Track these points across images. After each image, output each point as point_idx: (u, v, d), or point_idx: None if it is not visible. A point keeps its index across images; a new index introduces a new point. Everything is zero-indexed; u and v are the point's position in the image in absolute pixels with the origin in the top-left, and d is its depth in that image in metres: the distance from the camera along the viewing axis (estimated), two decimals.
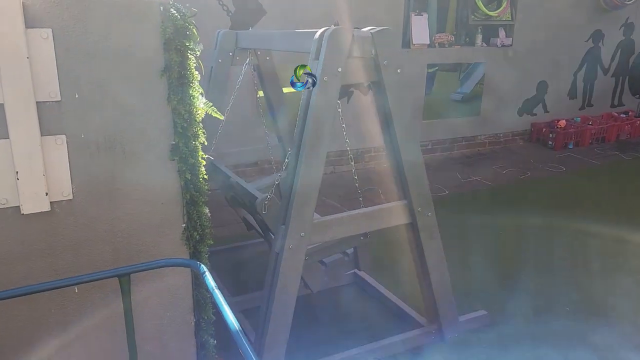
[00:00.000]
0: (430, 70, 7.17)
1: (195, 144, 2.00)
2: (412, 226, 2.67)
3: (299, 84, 2.12)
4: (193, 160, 2.02)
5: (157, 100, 1.91)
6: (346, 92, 5.82)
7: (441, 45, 6.44)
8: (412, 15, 6.21)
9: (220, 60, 3.64)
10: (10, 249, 1.83)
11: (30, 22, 1.68)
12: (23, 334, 1.94)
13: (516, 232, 4.45)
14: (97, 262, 1.98)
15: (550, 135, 7.24)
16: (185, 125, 1.94)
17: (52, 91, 1.75)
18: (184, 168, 2.00)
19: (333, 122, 2.33)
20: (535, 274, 3.70)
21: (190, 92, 1.94)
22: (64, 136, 1.81)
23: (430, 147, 6.82)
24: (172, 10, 1.85)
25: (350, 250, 3.03)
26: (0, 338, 1.91)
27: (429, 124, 6.72)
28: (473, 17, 6.62)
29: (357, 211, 2.55)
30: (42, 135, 1.77)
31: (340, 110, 2.95)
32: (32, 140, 1.69)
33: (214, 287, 1.62)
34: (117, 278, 1.77)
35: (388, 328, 3.04)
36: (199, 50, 1.95)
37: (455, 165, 6.56)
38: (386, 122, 2.50)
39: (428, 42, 6.33)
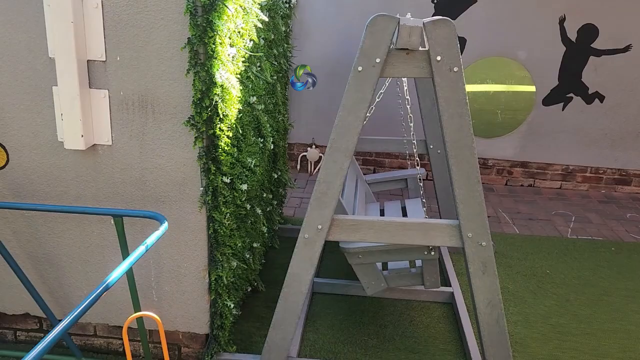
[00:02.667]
0: None
1: (211, 115, 2.12)
2: (464, 252, 2.29)
3: (298, 84, 2.05)
4: (209, 130, 2.15)
5: (179, 70, 2.09)
6: (562, 97, 5.05)
7: None
8: None
9: None
10: (66, 175, 2.30)
11: None
12: (72, 247, 2.42)
13: None
14: (129, 203, 2.32)
15: None
16: (200, 96, 2.08)
17: (99, 52, 2.10)
18: (197, 136, 2.15)
19: (365, 117, 2.15)
20: None
21: (209, 66, 2.06)
22: (106, 91, 2.16)
23: None
24: None
25: (419, 263, 2.74)
26: (56, 246, 2.43)
27: None
28: None
29: (394, 219, 2.31)
30: (90, 87, 2.16)
31: (409, 107, 2.71)
32: (72, 90, 2.07)
33: (148, 242, 1.76)
34: (112, 217, 2.06)
35: None
36: (222, 27, 2.04)
37: None
38: (440, 127, 2.17)
39: None
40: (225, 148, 2.23)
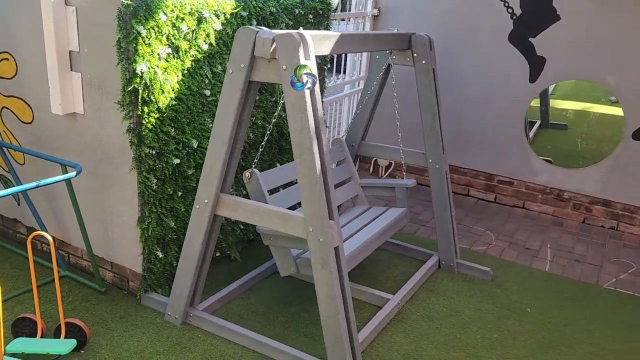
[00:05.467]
0: None
1: (134, 99, 2.73)
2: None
3: (298, 84, 2.34)
4: (135, 110, 2.76)
5: (114, 63, 2.74)
6: None
7: None
8: None
9: (377, 57, 3.83)
10: (61, 133, 3.15)
11: (68, 1, 2.83)
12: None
13: None
14: (95, 159, 3.07)
15: None
16: (124, 84, 2.71)
17: (75, 45, 2.88)
18: (124, 114, 2.78)
19: (239, 111, 2.50)
20: None
21: (133, 60, 2.66)
22: (79, 74, 2.93)
23: None
24: None
25: None
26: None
27: None
28: None
29: (264, 205, 2.62)
30: (72, 70, 2.95)
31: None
32: (53, 71, 2.88)
33: (42, 182, 2.46)
34: (60, 165, 2.83)
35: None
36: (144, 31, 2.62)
37: None
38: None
39: None
40: (149, 126, 2.82)
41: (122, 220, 3.09)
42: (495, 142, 5.18)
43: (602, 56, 4.56)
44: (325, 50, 2.67)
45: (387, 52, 3.74)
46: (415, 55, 3.61)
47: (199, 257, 2.85)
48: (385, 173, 5.84)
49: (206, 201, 2.72)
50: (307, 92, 2.32)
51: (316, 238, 2.43)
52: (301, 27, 3.61)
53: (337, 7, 5.42)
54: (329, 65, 4.42)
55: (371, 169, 5.92)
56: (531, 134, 5.04)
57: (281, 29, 3.59)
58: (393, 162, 5.78)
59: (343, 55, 5.34)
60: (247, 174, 2.97)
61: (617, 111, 4.63)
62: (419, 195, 5.35)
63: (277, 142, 3.88)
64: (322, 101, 4.42)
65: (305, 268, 3.03)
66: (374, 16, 5.43)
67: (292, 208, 3.07)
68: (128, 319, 3.04)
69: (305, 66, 2.37)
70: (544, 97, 4.91)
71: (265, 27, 3.48)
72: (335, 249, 2.46)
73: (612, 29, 4.47)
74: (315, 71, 2.37)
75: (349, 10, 5.47)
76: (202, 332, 2.97)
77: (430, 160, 3.76)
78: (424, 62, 3.60)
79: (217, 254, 3.65)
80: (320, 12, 4.04)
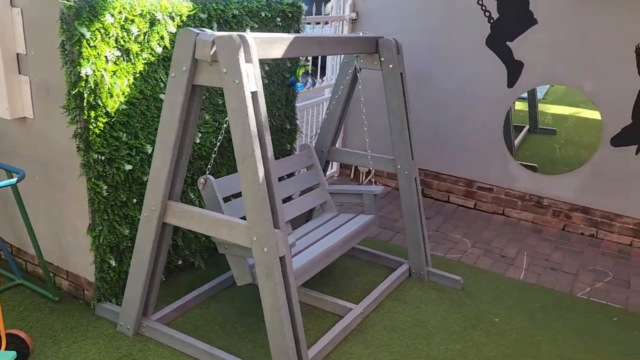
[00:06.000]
0: None
1: (79, 102, 2.65)
2: None
3: (298, 84, 2.25)
4: (82, 114, 2.68)
5: (60, 65, 2.66)
6: (636, 139, 4.39)
7: None
8: None
9: (345, 61, 3.75)
10: (14, 138, 3.07)
11: (13, 3, 2.76)
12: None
13: None
14: (45, 164, 2.98)
15: None
16: (69, 87, 2.63)
17: (22, 47, 2.80)
18: (69, 118, 2.70)
19: (182, 116, 2.42)
20: None
21: (77, 63, 2.58)
22: (27, 77, 2.85)
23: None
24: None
25: None
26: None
27: None
28: None
29: (211, 213, 2.53)
30: (20, 73, 2.87)
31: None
32: (0, 75, 2.81)
33: (6, 184, 2.39)
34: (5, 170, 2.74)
35: None
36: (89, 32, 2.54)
37: None
38: None
39: None
40: (97, 131, 2.73)
41: (75, 227, 3.01)
42: (474, 148, 5.09)
43: (580, 61, 4.47)
44: (277, 53, 2.59)
45: (355, 56, 3.67)
46: (382, 59, 3.53)
47: (148, 266, 2.76)
48: (365, 179, 5.75)
49: (154, 209, 2.64)
50: (249, 96, 2.23)
51: (260, 247, 2.34)
52: (247, 30, 3.53)
53: (332, 9, 5.37)
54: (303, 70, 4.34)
55: (352, 175, 5.84)
56: (518, 139, 4.94)
57: (235, 27, 3.51)
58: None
59: (320, 59, 5.26)
60: (201, 180, 2.89)
61: (593, 123, 4.54)
62: (399, 201, 5.26)
63: None
64: (296, 105, 4.33)
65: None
66: (352, 20, 5.35)
67: None
68: (79, 329, 2.94)
69: (305, 66, 2.28)
70: (532, 101, 4.82)
71: (229, 30, 3.41)
72: (282, 259, 2.37)
73: (590, 33, 4.38)
74: (258, 75, 2.29)
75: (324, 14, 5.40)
76: (154, 343, 2.87)
77: (399, 167, 3.67)
78: (391, 66, 3.52)
79: (180, 262, 3.56)
80: (290, 15, 3.96)
